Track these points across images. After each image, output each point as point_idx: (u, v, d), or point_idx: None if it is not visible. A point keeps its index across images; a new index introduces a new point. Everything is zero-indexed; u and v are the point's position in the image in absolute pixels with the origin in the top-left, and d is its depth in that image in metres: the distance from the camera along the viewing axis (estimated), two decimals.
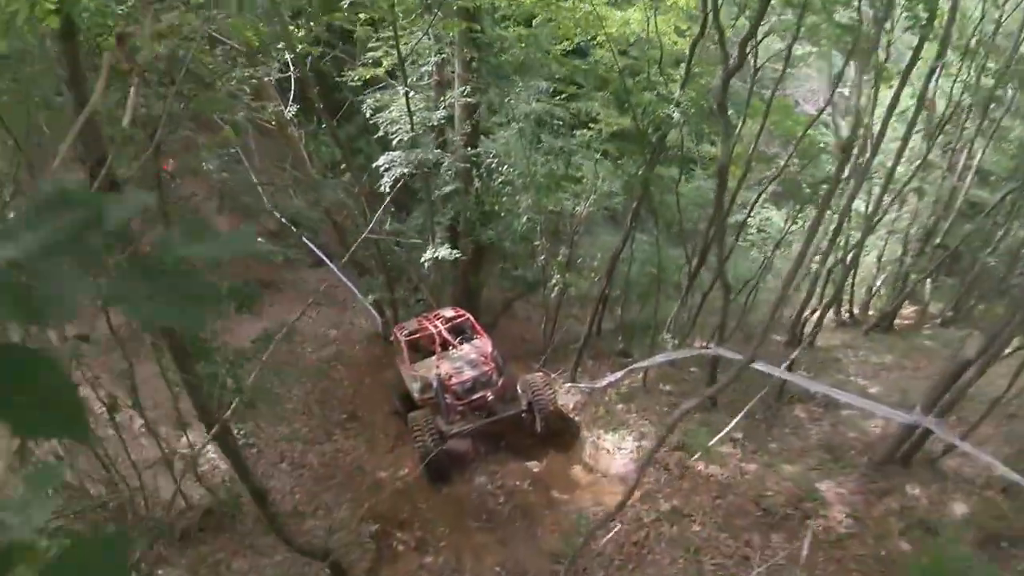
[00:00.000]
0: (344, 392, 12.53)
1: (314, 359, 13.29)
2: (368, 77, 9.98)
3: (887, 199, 11.74)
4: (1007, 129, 12.68)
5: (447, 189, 11.29)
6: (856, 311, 13.88)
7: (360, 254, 13.20)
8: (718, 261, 8.84)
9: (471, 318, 10.99)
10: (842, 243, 12.33)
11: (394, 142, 10.20)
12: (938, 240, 12.44)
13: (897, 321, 13.27)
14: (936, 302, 14.07)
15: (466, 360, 10.02)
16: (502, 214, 11.85)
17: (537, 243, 11.65)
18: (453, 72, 11.12)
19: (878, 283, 13.78)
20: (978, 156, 12.24)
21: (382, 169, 10.25)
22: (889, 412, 7.49)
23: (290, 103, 10.62)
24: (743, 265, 13.96)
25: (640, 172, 9.92)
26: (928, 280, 12.91)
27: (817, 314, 11.93)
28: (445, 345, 10.50)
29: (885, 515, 7.30)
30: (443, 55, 10.74)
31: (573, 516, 8.10)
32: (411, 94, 10.15)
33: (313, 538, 8.27)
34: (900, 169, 11.54)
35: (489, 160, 11.33)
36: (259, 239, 13.72)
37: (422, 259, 10.73)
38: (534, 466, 9.55)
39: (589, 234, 13.37)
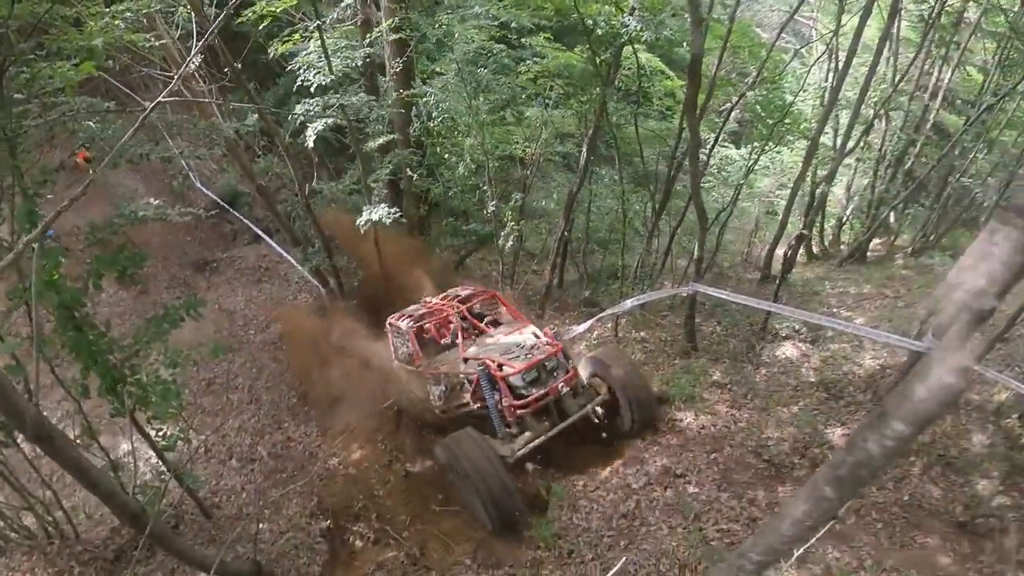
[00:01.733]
0: (292, 374, 11.04)
1: (259, 341, 11.73)
2: (274, 13, 8.08)
3: (856, 127, 10.61)
4: (972, 53, 11.63)
5: (381, 140, 9.62)
6: (826, 244, 12.86)
7: (299, 224, 11.60)
8: (692, 181, 7.48)
9: (498, 295, 8.63)
10: (811, 176, 11.16)
11: (312, 89, 8.47)
12: (908, 165, 11.40)
13: (868, 252, 12.28)
14: (905, 232, 13.13)
15: (513, 343, 7.12)
16: (445, 156, 10.27)
17: (485, 188, 10.12)
18: (380, 10, 9.44)
19: (847, 213, 12.76)
20: (946, 79, 11.16)
21: (298, 121, 8.55)
22: (899, 341, 6.35)
23: (193, 50, 8.79)
24: (706, 206, 12.75)
25: (595, 95, 8.45)
26: (899, 207, 11.88)
27: (790, 249, 10.85)
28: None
29: (900, 456, 6.15)
30: None
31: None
32: (327, 29, 8.42)
33: (260, 543, 6.89)
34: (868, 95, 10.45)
35: (426, 99, 9.69)
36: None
37: (357, 223, 9.08)
38: None
39: (543, 180, 11.93)
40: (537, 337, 7.17)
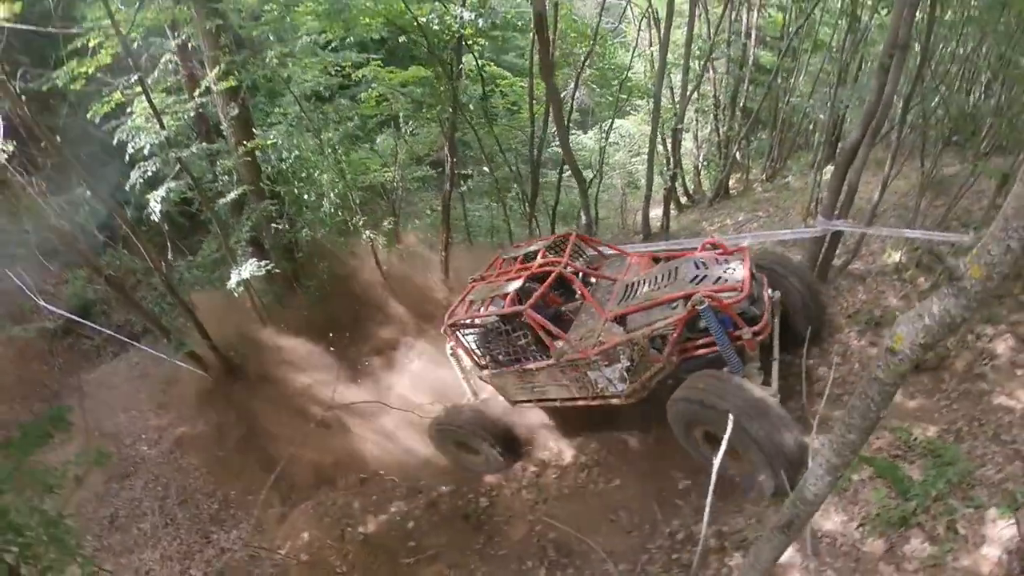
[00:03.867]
0: (203, 479, 9.59)
1: (155, 456, 10.12)
2: (86, 73, 7.06)
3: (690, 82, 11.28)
4: None
5: (233, 195, 8.70)
6: (691, 192, 13.47)
7: (167, 317, 10.29)
8: (560, 135, 7.36)
9: (582, 236, 7.15)
10: (660, 135, 11.59)
11: (146, 150, 7.51)
12: (742, 103, 12.27)
13: (729, 190, 12.94)
14: (754, 164, 13.99)
15: (678, 271, 5.71)
16: (305, 197, 9.61)
17: (355, 220, 9.57)
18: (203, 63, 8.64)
19: (701, 161, 13.48)
20: (754, 21, 12.19)
21: (136, 185, 7.53)
22: (796, 233, 6.57)
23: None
24: (572, 195, 12.93)
25: (444, 92, 8.22)
26: (743, 143, 12.72)
27: (662, 204, 11.21)
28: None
29: (834, 331, 6.25)
30: (182, 37, 8.17)
31: None
32: (151, 88, 7.52)
33: None
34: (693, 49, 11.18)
35: (271, 142, 8.99)
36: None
37: (228, 285, 8.14)
38: None
39: (411, 205, 11.57)
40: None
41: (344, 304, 10.34)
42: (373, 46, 10.68)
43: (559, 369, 5.78)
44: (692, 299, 4.96)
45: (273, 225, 9.34)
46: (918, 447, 4.37)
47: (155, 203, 7.86)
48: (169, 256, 9.36)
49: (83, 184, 7.35)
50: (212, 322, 9.39)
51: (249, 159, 8.96)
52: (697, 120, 12.99)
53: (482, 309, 6.32)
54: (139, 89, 7.38)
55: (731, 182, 12.96)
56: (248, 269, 8.01)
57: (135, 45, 7.15)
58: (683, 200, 13.21)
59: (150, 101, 7.07)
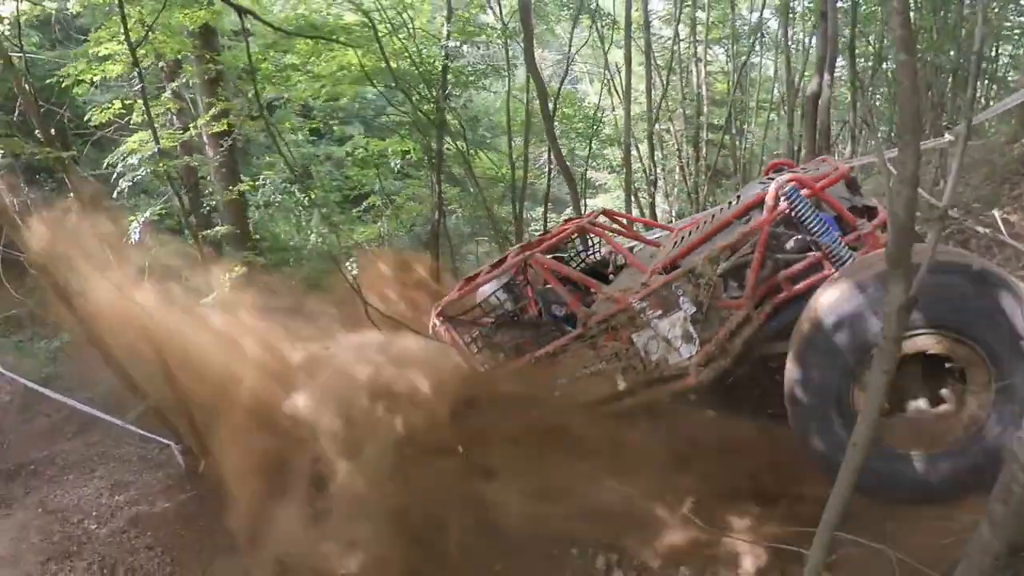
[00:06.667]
0: (157, 560, 7.89)
1: (104, 535, 8.42)
2: (97, 79, 6.96)
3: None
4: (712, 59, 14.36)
5: (220, 230, 8.34)
6: None
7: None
8: (547, 131, 7.39)
9: (605, 211, 5.52)
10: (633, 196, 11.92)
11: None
12: (704, 153, 12.89)
13: None
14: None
15: (740, 197, 4.34)
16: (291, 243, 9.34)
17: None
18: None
19: (673, 214, 13.75)
20: (704, 87, 13.26)
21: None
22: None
23: None
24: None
25: (434, 118, 8.37)
26: (708, 191, 13.18)
27: None
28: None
29: None
30: (179, 82, 8.34)
31: None
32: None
33: None
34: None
35: (262, 188, 8.88)
36: None
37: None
38: None
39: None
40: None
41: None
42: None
43: (591, 344, 3.87)
44: (773, 190, 3.38)
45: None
46: None
47: (137, 224, 7.41)
48: None
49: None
50: None
51: (235, 197, 8.70)
52: (664, 178, 13.46)
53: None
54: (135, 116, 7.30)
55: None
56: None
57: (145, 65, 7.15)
58: None
59: (147, 109, 6.88)
